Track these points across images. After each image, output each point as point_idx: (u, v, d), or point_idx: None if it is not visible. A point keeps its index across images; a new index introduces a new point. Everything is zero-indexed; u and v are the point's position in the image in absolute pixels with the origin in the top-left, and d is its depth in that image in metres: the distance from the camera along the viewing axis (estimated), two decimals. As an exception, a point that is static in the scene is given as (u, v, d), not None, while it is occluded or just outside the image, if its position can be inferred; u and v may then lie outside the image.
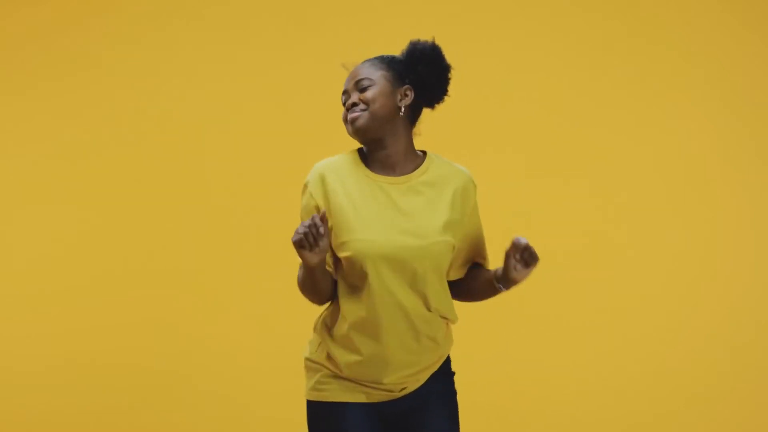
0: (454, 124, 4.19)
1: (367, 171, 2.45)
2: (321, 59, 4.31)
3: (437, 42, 2.49)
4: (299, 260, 2.38)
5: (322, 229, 2.26)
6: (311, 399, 2.48)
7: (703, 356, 4.06)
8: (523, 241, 2.34)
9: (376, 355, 2.40)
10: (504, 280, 2.41)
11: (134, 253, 4.44)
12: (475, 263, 2.58)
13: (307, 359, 2.52)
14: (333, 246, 2.41)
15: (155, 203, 4.44)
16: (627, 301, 4.12)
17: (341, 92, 2.51)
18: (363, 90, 2.43)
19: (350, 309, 2.40)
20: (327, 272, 2.42)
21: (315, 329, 2.52)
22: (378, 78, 2.44)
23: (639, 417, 4.06)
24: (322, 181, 2.43)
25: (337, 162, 2.48)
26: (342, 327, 2.42)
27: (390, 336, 2.38)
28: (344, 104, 2.47)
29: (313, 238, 2.26)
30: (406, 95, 2.46)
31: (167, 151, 4.46)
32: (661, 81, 4.19)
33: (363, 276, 2.36)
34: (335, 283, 2.46)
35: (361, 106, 2.42)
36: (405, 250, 2.36)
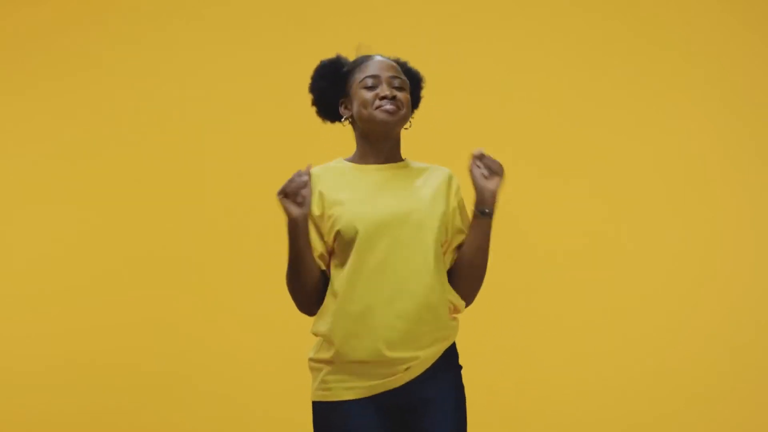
0: (454, 124, 4.19)
1: (355, 165, 2.55)
2: (321, 59, 4.30)
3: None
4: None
5: (304, 180, 2.37)
6: (316, 400, 2.47)
7: (703, 356, 4.05)
8: (480, 150, 2.45)
9: (370, 323, 2.39)
10: (480, 200, 2.46)
11: (134, 253, 4.44)
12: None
13: (310, 359, 2.52)
14: (324, 230, 2.45)
15: (155, 203, 4.44)
16: (627, 301, 4.12)
17: (362, 73, 2.54)
18: (399, 89, 2.53)
19: (341, 282, 2.42)
20: (309, 249, 2.43)
21: (313, 328, 2.51)
22: (406, 86, 2.56)
23: (639, 417, 4.06)
24: (311, 178, 2.50)
25: (325, 165, 2.56)
26: (335, 302, 2.43)
27: (381, 298, 2.39)
28: (371, 86, 2.51)
29: (295, 188, 2.36)
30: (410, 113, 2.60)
31: (167, 151, 4.46)
32: (661, 81, 4.19)
33: (352, 245, 2.40)
34: (323, 288, 2.49)
35: (399, 104, 2.50)
36: (395, 215, 2.42)
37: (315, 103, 2.64)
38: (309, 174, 2.41)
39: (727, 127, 4.15)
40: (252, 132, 4.41)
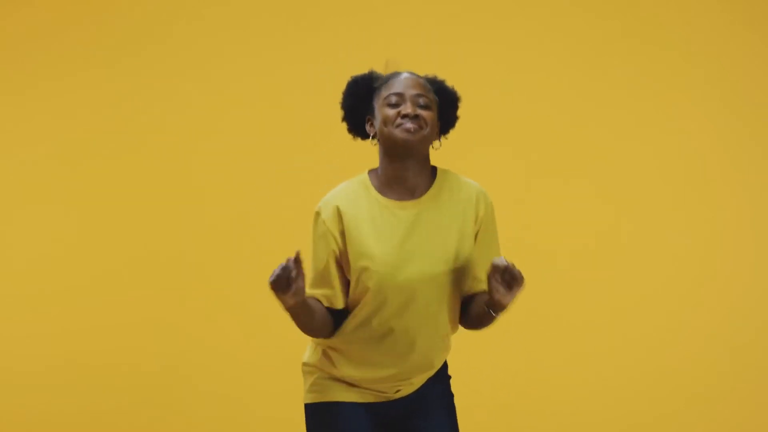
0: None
1: (378, 196, 2.43)
2: (321, 59, 4.31)
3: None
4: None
5: (294, 273, 2.22)
6: (309, 401, 2.48)
7: (703, 356, 4.06)
8: (503, 261, 2.27)
9: (373, 371, 2.42)
10: (491, 304, 2.35)
11: (134, 253, 4.44)
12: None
13: (303, 364, 2.53)
14: (349, 272, 2.41)
15: (155, 203, 4.44)
16: (627, 301, 4.12)
17: (387, 90, 2.44)
18: (423, 108, 2.42)
19: (354, 331, 2.41)
20: (313, 310, 2.37)
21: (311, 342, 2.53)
22: (434, 105, 2.45)
23: (639, 417, 4.06)
24: (337, 212, 2.41)
25: (347, 190, 2.46)
26: (342, 345, 2.44)
27: (389, 356, 2.40)
28: (394, 104, 2.41)
29: (286, 281, 2.22)
30: (437, 132, 2.49)
31: (167, 152, 4.46)
32: (661, 81, 4.19)
33: (372, 301, 2.37)
34: (337, 313, 2.45)
35: (422, 122, 2.40)
36: (417, 279, 2.37)
37: (345, 119, 2.53)
38: (299, 260, 2.22)
39: (727, 127, 4.15)
40: (252, 132, 4.40)
